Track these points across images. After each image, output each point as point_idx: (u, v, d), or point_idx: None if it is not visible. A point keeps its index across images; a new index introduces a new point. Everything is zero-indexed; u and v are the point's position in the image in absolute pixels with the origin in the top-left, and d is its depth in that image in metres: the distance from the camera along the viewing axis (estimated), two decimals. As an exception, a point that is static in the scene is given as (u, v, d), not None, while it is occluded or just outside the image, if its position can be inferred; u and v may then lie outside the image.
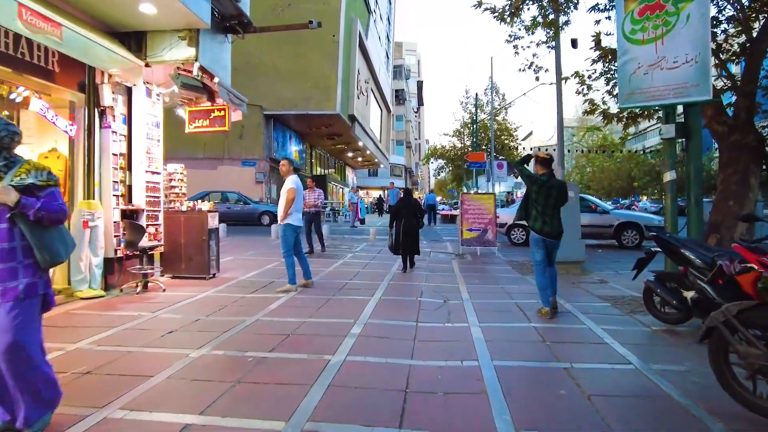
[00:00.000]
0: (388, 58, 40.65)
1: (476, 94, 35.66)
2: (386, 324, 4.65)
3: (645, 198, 53.82)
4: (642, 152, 46.73)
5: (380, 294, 6.10)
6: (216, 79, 6.32)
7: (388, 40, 40.76)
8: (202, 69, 6.30)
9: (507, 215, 12.85)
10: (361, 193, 44.12)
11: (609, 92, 9.04)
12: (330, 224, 20.32)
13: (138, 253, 6.42)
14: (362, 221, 19.45)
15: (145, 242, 6.68)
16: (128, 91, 6.86)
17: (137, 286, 6.28)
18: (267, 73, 21.36)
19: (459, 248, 10.87)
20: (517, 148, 37.20)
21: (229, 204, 18.19)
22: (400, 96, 55.30)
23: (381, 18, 35.84)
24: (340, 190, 36.24)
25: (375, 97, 34.45)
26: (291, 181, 6.26)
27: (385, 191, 20.03)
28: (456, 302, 5.68)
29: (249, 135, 21.14)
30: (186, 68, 6.36)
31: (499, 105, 36.69)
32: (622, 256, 10.51)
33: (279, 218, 6.33)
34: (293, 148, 25.54)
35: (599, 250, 11.55)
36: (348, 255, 10.17)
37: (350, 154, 34.08)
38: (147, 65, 6.35)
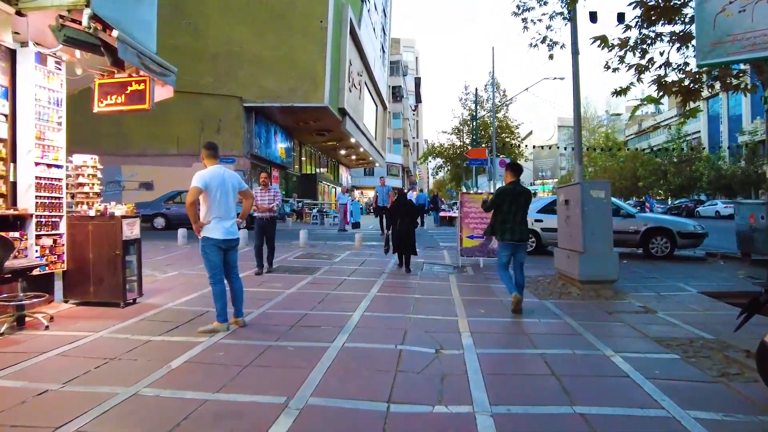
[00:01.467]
0: (384, 52, 38.86)
1: (476, 89, 33.92)
2: (338, 409, 2.84)
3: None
4: (650, 150, 44.94)
5: (345, 337, 4.29)
6: (115, 33, 4.50)
7: (384, 33, 38.97)
8: (96, 19, 4.48)
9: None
10: (356, 193, 42.38)
11: (646, 68, 7.27)
12: (316, 228, 18.51)
13: (9, 276, 4.60)
14: (356, 225, 17.56)
15: (28, 260, 4.89)
16: (11, 56, 5.07)
17: (8, 321, 4.47)
18: (248, 61, 19.58)
19: (458, 259, 9.08)
20: (519, 146, 35.45)
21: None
22: (397, 93, 53.55)
23: (376, 8, 34.04)
24: (333, 190, 34.42)
25: (369, 92, 32.67)
26: (196, 178, 4.45)
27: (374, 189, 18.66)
28: (454, 353, 3.88)
29: (227, 129, 19.33)
30: (75, 18, 4.55)
31: (500, 101, 34.92)
32: (656, 270, 8.72)
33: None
34: (279, 145, 23.73)
35: (624, 261, 9.72)
36: (323, 268, 8.36)
37: (343, 152, 32.29)
38: (20, 13, 4.54)
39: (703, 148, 42.91)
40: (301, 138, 27.57)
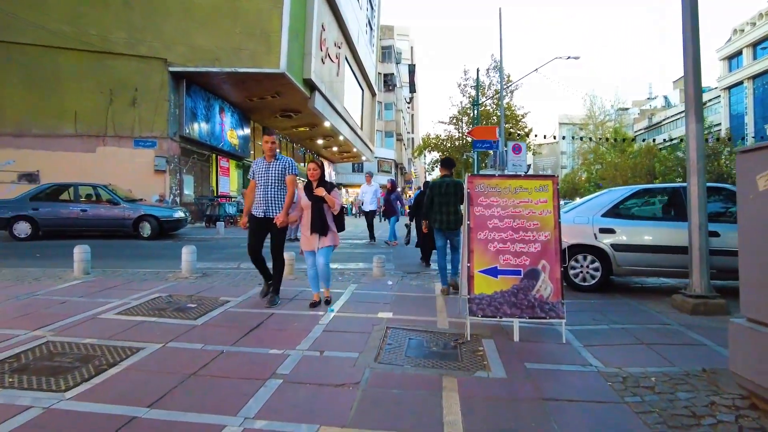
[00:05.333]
0: (371, 29, 33.94)
1: (477, 71, 29.03)
2: None
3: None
4: (671, 141, 40.14)
5: None
6: None
7: (372, 7, 34.07)
8: None
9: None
10: (342, 192, 37.30)
11: None
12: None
13: None
14: None
15: None
16: None
17: None
18: (174, 11, 14.65)
19: (464, 315, 4.17)
20: (527, 136, 30.66)
21: (85, 205, 11.40)
22: (389, 81, 48.67)
23: (360, -27, 29.10)
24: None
25: (352, 71, 27.76)
26: None
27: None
28: None
29: (146, 101, 14.37)
30: None
31: (506, 85, 30.08)
32: None
33: None
34: (228, 128, 18.72)
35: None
36: (143, 353, 3.46)
37: (320, 142, 27.33)
38: None
39: (742, 139, 38.03)
40: (264, 121, 22.58)
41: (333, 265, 7.96)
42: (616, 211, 6.11)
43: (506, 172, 12.47)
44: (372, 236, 11.67)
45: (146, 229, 11.11)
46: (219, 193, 17.76)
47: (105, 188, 11.38)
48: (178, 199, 14.77)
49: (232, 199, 16.85)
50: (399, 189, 55.18)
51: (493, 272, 4.05)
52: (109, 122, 14.23)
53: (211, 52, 14.61)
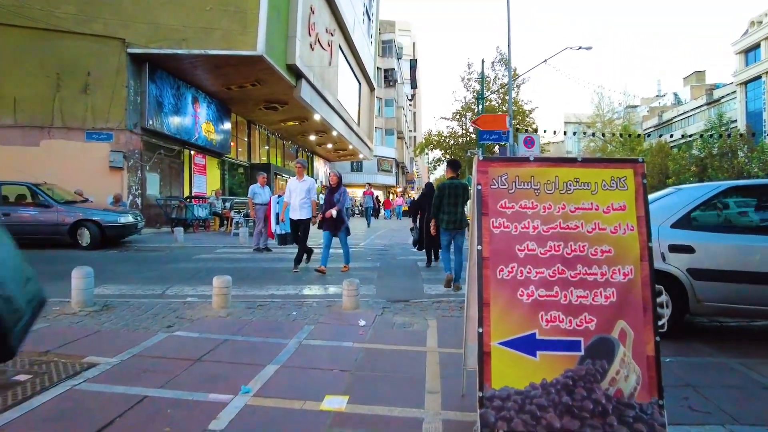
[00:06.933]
0: (369, 19, 32.00)
1: (482, 62, 26.96)
2: None
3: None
4: (691, 137, 38.05)
5: None
6: None
7: (370, -5, 32.12)
8: None
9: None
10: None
11: None
12: (221, 242, 11.51)
13: None
14: (286, 239, 9.80)
15: None
16: None
17: None
18: (135, -16, 12.75)
19: (469, 409, 2.25)
20: (535, 131, 28.71)
21: (7, 208, 9.49)
22: (389, 77, 46.67)
23: (356, -42, 27.16)
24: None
25: (348, 63, 25.84)
26: None
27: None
28: None
29: (101, 88, 12.50)
30: None
31: (513, 79, 28.08)
32: None
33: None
34: (204, 121, 16.76)
35: None
36: None
37: (313, 138, 25.40)
38: None
39: (766, 135, 35.88)
40: (250, 114, 20.66)
41: (292, 290, 5.96)
42: (692, 220, 4.17)
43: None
44: (300, 258, 7.33)
45: (85, 236, 9.23)
46: (193, 194, 15.87)
47: (34, 187, 9.47)
48: (139, 200, 12.89)
49: (207, 200, 14.95)
50: (404, 190, 52.73)
51: (527, 345, 2.12)
52: (56, 111, 12.31)
53: (178, 31, 12.69)
